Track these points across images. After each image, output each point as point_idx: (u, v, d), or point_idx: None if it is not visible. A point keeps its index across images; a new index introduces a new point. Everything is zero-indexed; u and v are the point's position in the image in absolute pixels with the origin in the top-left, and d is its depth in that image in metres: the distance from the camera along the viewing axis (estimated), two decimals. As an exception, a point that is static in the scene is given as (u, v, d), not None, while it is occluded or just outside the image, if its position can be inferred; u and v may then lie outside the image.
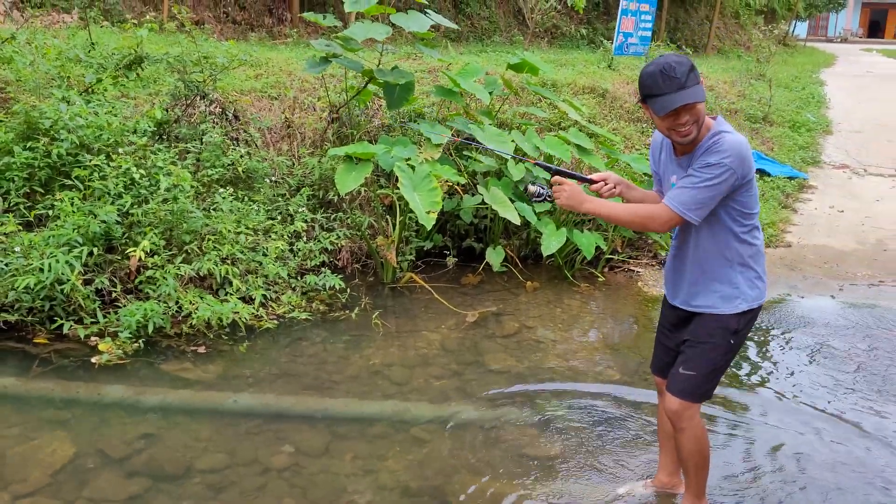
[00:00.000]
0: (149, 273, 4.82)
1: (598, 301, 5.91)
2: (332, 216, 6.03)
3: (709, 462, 3.13)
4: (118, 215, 4.89)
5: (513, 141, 6.12)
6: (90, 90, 5.98)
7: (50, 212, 4.89)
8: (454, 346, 4.96)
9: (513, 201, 5.95)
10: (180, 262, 4.92)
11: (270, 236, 5.52)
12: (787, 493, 3.49)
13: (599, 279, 6.30)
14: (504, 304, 5.70)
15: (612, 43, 11.95)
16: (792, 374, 4.72)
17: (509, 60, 7.20)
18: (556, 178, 2.99)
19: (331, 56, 6.06)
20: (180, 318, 4.80)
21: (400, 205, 5.86)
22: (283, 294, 5.28)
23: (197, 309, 4.70)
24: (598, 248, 6.17)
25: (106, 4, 10.49)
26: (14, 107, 5.30)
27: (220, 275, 4.97)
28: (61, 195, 4.86)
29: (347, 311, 5.33)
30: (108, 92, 6.00)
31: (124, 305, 4.70)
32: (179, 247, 5.05)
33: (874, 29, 51.85)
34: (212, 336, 4.77)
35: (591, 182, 3.09)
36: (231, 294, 4.98)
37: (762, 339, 5.25)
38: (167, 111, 5.99)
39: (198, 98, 6.16)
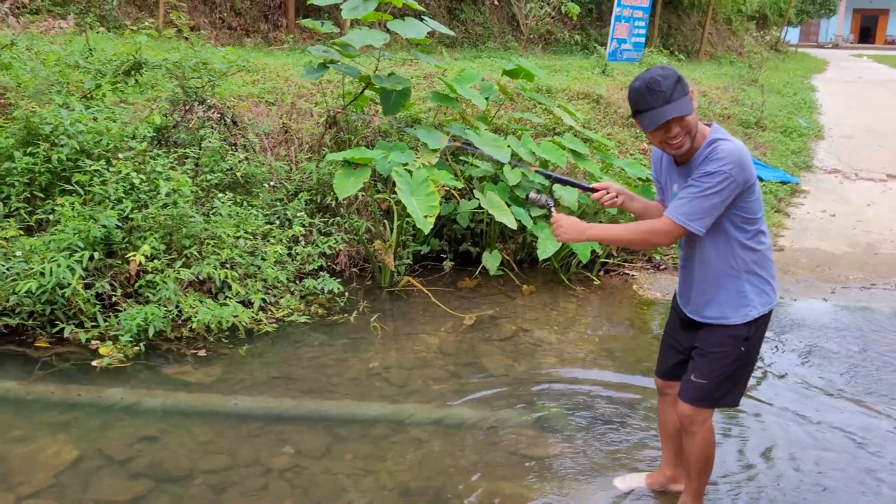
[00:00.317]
0: (149, 277, 4.86)
1: (594, 304, 5.97)
2: (330, 221, 6.08)
3: (712, 467, 3.18)
4: (118, 220, 4.94)
5: (509, 146, 6.17)
6: (89, 96, 6.02)
7: (50, 216, 4.93)
8: (452, 348, 5.01)
9: (509, 205, 6.01)
10: (180, 267, 4.97)
11: (269, 241, 5.57)
12: (779, 492, 3.55)
13: (595, 283, 6.36)
14: (501, 307, 5.75)
15: (605, 49, 12.05)
16: (785, 375, 4.78)
17: (504, 66, 7.27)
18: (555, 217, 2.97)
19: (328, 62, 6.12)
20: (180, 321, 4.84)
21: (397, 209, 5.92)
22: (282, 298, 5.33)
23: (197, 313, 4.75)
24: (593, 251, 6.24)
25: (102, 10, 10.52)
26: (14, 112, 5.34)
27: (220, 279, 5.01)
28: (62, 200, 4.90)
29: (346, 315, 5.38)
30: (106, 97, 6.04)
31: (124, 309, 4.75)
32: (179, 251, 5.10)
33: (865, 35, 52.14)
34: (212, 339, 4.82)
35: (593, 191, 3.12)
36: (230, 298, 5.02)
37: (756, 341, 5.31)
38: (166, 116, 6.03)
39: (196, 104, 6.21)
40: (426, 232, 5.36)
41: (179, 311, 4.81)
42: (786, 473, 3.70)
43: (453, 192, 6.28)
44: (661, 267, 6.76)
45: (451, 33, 6.84)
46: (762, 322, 2.96)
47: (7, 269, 4.53)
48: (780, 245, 7.31)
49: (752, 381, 4.67)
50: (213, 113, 6.32)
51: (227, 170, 5.81)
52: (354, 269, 6.22)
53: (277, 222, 5.83)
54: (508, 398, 4.37)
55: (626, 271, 6.65)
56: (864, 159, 10.86)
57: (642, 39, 12.93)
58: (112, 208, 4.95)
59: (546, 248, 6.00)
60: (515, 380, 4.60)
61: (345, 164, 5.68)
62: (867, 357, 5.06)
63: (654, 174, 3.15)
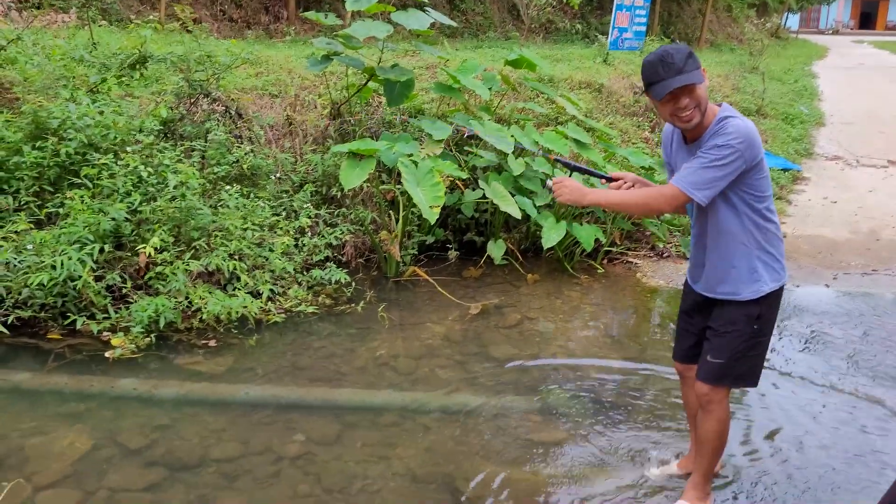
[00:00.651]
0: (158, 269, 4.92)
1: (598, 292, 6.02)
2: (336, 212, 6.14)
3: (723, 449, 3.23)
4: (127, 213, 4.99)
5: (512, 136, 6.21)
6: (95, 90, 6.07)
7: (60, 210, 4.98)
8: (458, 337, 5.07)
9: (513, 195, 6.06)
10: (189, 258, 5.02)
11: (276, 232, 5.62)
12: (784, 473, 3.61)
13: (599, 271, 6.42)
14: (506, 296, 5.81)
15: (607, 38, 12.06)
16: (788, 360, 4.83)
17: (506, 56, 7.31)
18: (558, 178, 3.05)
19: (332, 54, 6.15)
20: (190, 312, 4.90)
21: (402, 200, 5.96)
22: (289, 288, 5.38)
23: (206, 304, 4.80)
24: (597, 240, 6.28)
25: (103, 4, 10.56)
26: (23, 107, 5.38)
27: (228, 270, 5.06)
28: (71, 193, 4.95)
29: (353, 305, 5.44)
30: (112, 91, 6.09)
31: (135, 301, 4.80)
32: (188, 243, 5.15)
33: (865, 20, 52.04)
34: (221, 330, 4.88)
35: (611, 180, 3.19)
36: (239, 289, 5.07)
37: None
38: (172, 110, 6.08)
39: (201, 97, 6.25)
40: (432, 222, 5.40)
41: (189, 303, 4.87)
42: (790, 456, 3.76)
43: (458, 182, 6.33)
44: (664, 255, 6.81)
45: (453, 24, 6.88)
46: (773, 300, 3.03)
47: (19, 263, 4.58)
48: (783, 232, 7.33)
49: (755, 367, 4.73)
50: (218, 106, 6.37)
51: (234, 162, 5.86)
52: (360, 260, 6.27)
53: (284, 214, 5.88)
54: (514, 385, 4.43)
55: (630, 259, 6.70)
56: (865, 145, 10.89)
57: (643, 28, 12.94)
58: (121, 201, 5.00)
59: (550, 238, 6.04)
60: (521, 367, 4.66)
61: (350, 156, 5.73)
62: (869, 342, 5.11)
63: (664, 155, 3.21)
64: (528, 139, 6.39)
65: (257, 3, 12.96)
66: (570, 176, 3.31)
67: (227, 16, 12.60)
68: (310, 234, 5.88)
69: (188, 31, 7.16)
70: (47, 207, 5.03)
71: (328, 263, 5.72)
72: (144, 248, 4.86)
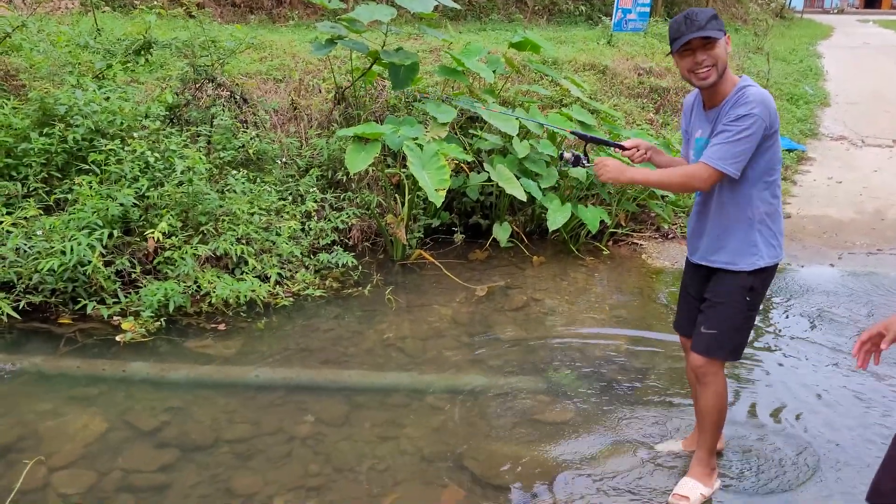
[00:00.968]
0: (167, 254, 4.96)
1: (603, 273, 6.05)
2: (342, 196, 6.16)
3: (723, 423, 3.28)
4: (135, 198, 5.02)
5: (517, 119, 6.22)
6: (101, 76, 6.09)
7: (68, 196, 5.01)
8: (465, 319, 5.10)
9: (518, 178, 6.07)
10: (197, 243, 5.06)
11: (283, 216, 5.65)
12: (790, 451, 3.65)
13: (604, 252, 6.44)
14: (511, 278, 5.84)
15: (610, 19, 12.02)
16: (793, 339, 4.87)
17: (510, 39, 7.29)
18: (600, 158, 3.13)
19: (336, 38, 6.15)
20: (199, 296, 4.94)
21: (408, 183, 5.98)
22: (297, 272, 5.42)
23: (215, 288, 4.84)
24: (602, 222, 6.30)
25: (107, -10, 10.55)
26: (29, 94, 5.40)
27: (236, 254, 5.10)
28: (79, 179, 4.98)
29: (360, 288, 5.47)
30: (118, 77, 6.11)
31: (144, 286, 4.84)
32: (195, 228, 5.19)
33: (871, -1, 51.65)
34: (230, 314, 4.92)
35: (624, 148, 3.26)
36: (247, 273, 5.11)
37: (763, 306, 5.40)
38: (177, 95, 6.09)
39: (206, 82, 6.27)
40: (438, 205, 5.43)
41: (198, 287, 4.91)
42: (796, 434, 3.80)
43: (463, 165, 6.34)
44: (669, 236, 6.83)
45: (457, 6, 6.87)
46: (767, 275, 3.09)
47: (29, 248, 4.62)
48: (787, 212, 7.36)
49: (761, 345, 4.78)
50: (223, 91, 6.38)
51: (240, 147, 5.88)
52: (367, 243, 6.31)
53: (290, 198, 5.91)
54: (521, 365, 4.47)
55: (635, 241, 6.72)
56: (870, 125, 10.86)
57: (647, 9, 12.87)
58: (129, 187, 5.03)
59: (556, 220, 6.07)
60: (528, 348, 4.70)
61: (355, 140, 5.75)
62: (874, 321, 5.14)
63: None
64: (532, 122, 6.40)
65: (260, -12, 12.92)
66: (584, 147, 3.38)
67: (230, 0, 12.58)
68: (316, 218, 5.91)
69: (191, 17, 7.17)
70: (56, 193, 5.06)
71: (335, 247, 5.75)
72: (153, 232, 4.89)
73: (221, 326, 4.79)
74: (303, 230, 5.74)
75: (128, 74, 6.35)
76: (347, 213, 5.96)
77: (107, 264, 4.86)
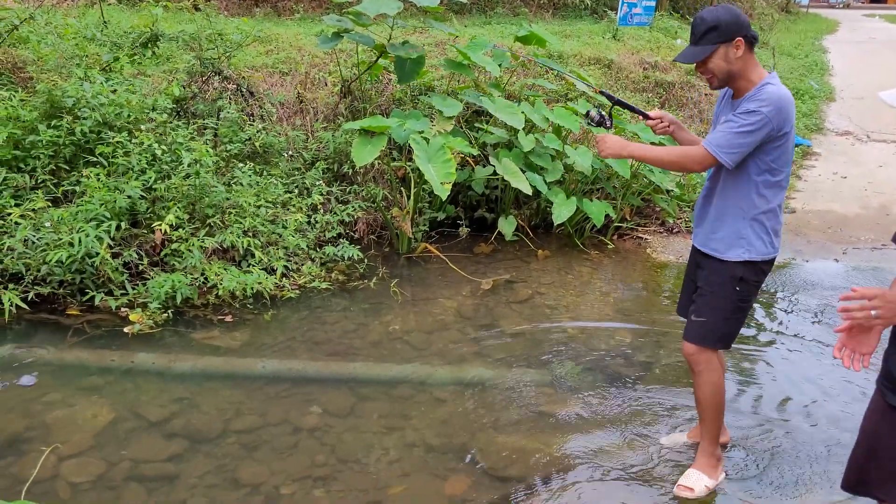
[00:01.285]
0: (174, 246, 4.99)
1: (608, 267, 6.07)
2: (348, 189, 6.18)
3: (723, 411, 3.31)
4: (142, 190, 5.04)
5: (522, 112, 6.23)
6: (108, 68, 6.11)
7: (76, 188, 5.04)
8: (470, 312, 5.13)
9: (524, 171, 6.09)
10: (204, 235, 5.08)
11: (289, 209, 5.68)
12: (794, 445, 3.67)
13: (609, 246, 6.46)
14: (517, 271, 5.86)
15: (616, 13, 12.00)
16: (797, 334, 4.88)
17: (515, 33, 7.29)
18: (601, 136, 3.22)
19: (342, 31, 6.17)
20: (206, 289, 4.97)
21: (413, 177, 6.00)
22: (303, 265, 5.44)
23: (222, 280, 4.87)
24: (607, 216, 6.31)
25: (113, -18, 10.55)
26: (37, 86, 5.42)
27: (243, 247, 5.12)
28: (87, 172, 5.00)
29: (365, 281, 5.50)
30: (125, 70, 6.13)
31: (151, 277, 4.87)
32: (202, 220, 5.21)
33: (877, -6, 51.36)
34: (237, 306, 4.95)
35: (648, 118, 3.33)
36: (254, 265, 5.14)
37: (768, 301, 5.41)
38: (184, 88, 6.11)
39: (213, 75, 6.28)
40: (444, 198, 5.44)
41: (205, 279, 4.93)
42: (800, 427, 3.82)
43: (468, 158, 6.36)
44: (674, 230, 6.84)
45: (462, 0, 6.87)
46: (758, 270, 3.12)
47: (37, 240, 4.65)
48: (792, 207, 7.37)
49: (765, 339, 4.79)
50: (230, 84, 6.40)
51: (246, 140, 5.90)
52: (372, 237, 6.33)
53: (296, 191, 5.93)
54: (526, 358, 4.49)
55: (640, 235, 6.74)
56: (875, 121, 10.84)
57: (653, 3, 12.83)
58: (136, 179, 5.06)
59: (561, 213, 6.08)
60: (533, 340, 4.72)
61: (361, 133, 5.76)
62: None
63: (715, 109, 3.31)
64: (537, 115, 6.41)
65: (265, -19, 12.91)
66: (612, 107, 3.43)
67: (235, -7, 12.56)
68: (322, 211, 5.93)
69: (197, 9, 7.19)
70: (64, 185, 5.09)
71: (341, 240, 5.78)
72: (160, 225, 4.92)
73: (228, 318, 4.82)
74: (309, 223, 5.77)
75: (135, 67, 6.37)
76: (353, 206, 5.99)
77: (114, 256, 4.89)
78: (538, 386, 4.19)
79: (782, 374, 4.36)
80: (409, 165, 5.98)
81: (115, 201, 4.85)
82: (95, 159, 5.16)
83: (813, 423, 3.86)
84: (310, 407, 3.93)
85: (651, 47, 10.60)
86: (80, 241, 4.61)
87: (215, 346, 4.50)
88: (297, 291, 5.21)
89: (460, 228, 6.50)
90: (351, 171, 6.21)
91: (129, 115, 5.42)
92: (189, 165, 5.20)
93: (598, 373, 4.34)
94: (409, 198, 6.04)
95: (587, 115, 3.48)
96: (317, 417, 3.85)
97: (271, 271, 5.22)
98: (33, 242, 4.66)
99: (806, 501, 3.30)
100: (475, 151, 5.98)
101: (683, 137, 3.35)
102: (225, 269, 5.01)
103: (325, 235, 5.80)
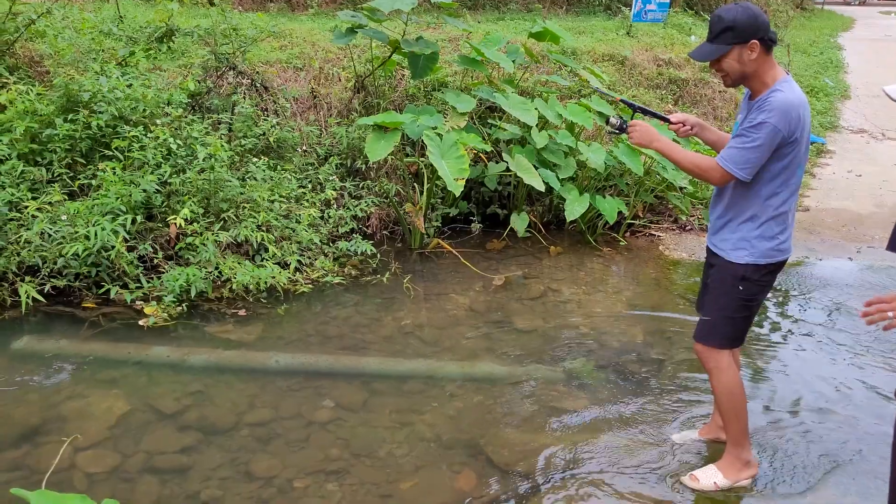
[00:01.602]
0: (188, 240, 5.02)
1: (621, 264, 6.07)
2: (361, 184, 6.21)
3: (743, 412, 3.28)
4: (157, 184, 5.08)
5: (536, 109, 6.23)
6: (124, 63, 6.15)
7: (92, 181, 5.08)
8: (482, 308, 5.14)
9: (536, 168, 6.09)
10: (218, 230, 5.12)
11: (302, 204, 5.70)
12: (807, 445, 3.67)
13: (621, 243, 6.45)
14: (529, 267, 5.86)
15: (630, 10, 11.95)
16: (811, 332, 4.87)
17: (528, 29, 7.29)
18: (636, 121, 3.22)
19: (357, 27, 6.18)
20: (220, 282, 5.00)
21: (426, 172, 6.01)
22: (316, 259, 5.47)
23: (236, 274, 4.90)
24: (619, 213, 6.31)
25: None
26: (54, 80, 5.47)
27: (257, 241, 5.16)
28: (103, 165, 5.04)
29: (378, 276, 5.52)
30: (140, 64, 6.16)
31: (166, 271, 4.91)
32: (217, 214, 5.24)
33: (894, -9, 50.89)
34: (251, 300, 4.98)
35: (671, 122, 3.32)
36: (267, 260, 5.17)
37: (782, 299, 5.40)
38: (199, 83, 6.14)
39: (228, 70, 6.31)
40: (457, 194, 5.46)
41: (219, 273, 4.97)
42: (813, 428, 3.81)
43: (481, 155, 6.36)
44: (687, 228, 6.82)
45: (477, -4, 6.86)
46: (763, 272, 3.10)
47: (54, 233, 4.70)
48: (806, 205, 7.34)
49: (778, 338, 4.78)
50: (244, 79, 6.43)
51: (260, 135, 5.93)
52: (385, 232, 6.35)
53: (310, 186, 5.96)
54: (538, 354, 4.50)
55: (652, 232, 6.73)
56: (891, 119, 10.77)
57: (667, 0, 12.79)
58: (151, 173, 5.09)
59: (573, 210, 6.08)
60: (544, 337, 4.73)
61: (375, 128, 5.78)
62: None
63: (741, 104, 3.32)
64: (551, 112, 6.41)
65: (279, -24, 12.93)
66: (633, 115, 3.44)
67: (250, -12, 12.59)
68: (335, 206, 5.96)
69: (212, 4, 7.21)
70: (80, 179, 5.13)
71: (354, 235, 5.80)
72: (175, 219, 4.95)
73: (242, 312, 4.85)
74: (322, 218, 5.79)
75: (150, 62, 6.41)
76: (366, 202, 6.01)
77: (130, 249, 4.93)
78: (550, 382, 4.20)
79: (796, 373, 4.35)
80: (423, 161, 6.00)
81: (130, 195, 4.89)
82: (111, 153, 5.19)
83: (826, 423, 3.85)
84: (322, 401, 3.96)
85: (665, 44, 10.56)
86: (95, 235, 4.65)
87: (229, 340, 4.53)
88: (311, 286, 5.24)
89: (473, 224, 6.51)
90: (364, 166, 6.23)
91: (144, 110, 5.46)
92: (204, 160, 5.23)
93: (609, 369, 4.34)
94: (421, 193, 6.06)
95: (608, 121, 3.47)
96: (329, 411, 3.87)
97: (285, 266, 5.25)
98: (50, 235, 4.70)
99: (817, 500, 3.30)
100: (488, 147, 5.99)
101: (708, 138, 3.34)
102: (239, 264, 5.04)
103: (338, 230, 5.82)
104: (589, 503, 3.27)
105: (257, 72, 6.63)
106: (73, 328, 4.56)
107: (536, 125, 6.22)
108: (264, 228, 5.29)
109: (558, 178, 6.24)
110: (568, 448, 3.61)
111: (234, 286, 4.90)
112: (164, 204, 5.17)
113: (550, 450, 3.60)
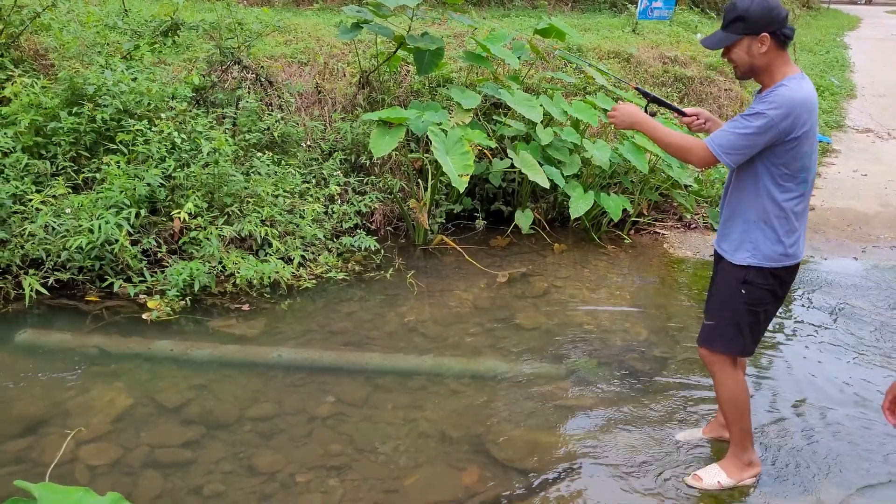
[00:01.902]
0: (192, 234, 5.01)
1: (625, 262, 6.05)
2: (365, 180, 6.20)
3: (746, 415, 3.26)
4: (161, 178, 5.08)
5: (541, 105, 6.22)
6: (128, 56, 6.14)
7: (96, 175, 5.08)
8: (486, 304, 5.13)
9: (541, 165, 6.07)
10: (222, 224, 5.11)
11: (307, 199, 5.69)
12: (811, 443, 3.65)
13: (625, 241, 6.44)
14: (533, 265, 5.85)
15: (636, 7, 11.92)
16: (815, 332, 4.85)
17: (533, 25, 7.27)
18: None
19: (362, 22, 6.17)
20: (223, 277, 5.00)
21: (431, 168, 6.00)
22: (320, 255, 5.46)
23: (240, 269, 4.90)
24: (624, 210, 6.29)
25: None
26: (59, 73, 5.46)
27: (261, 236, 5.15)
28: (107, 159, 5.04)
29: (382, 272, 5.51)
30: (145, 58, 6.16)
31: (170, 265, 4.90)
32: (221, 209, 5.24)
33: (901, -10, 50.72)
34: (254, 295, 4.97)
35: (685, 115, 3.27)
36: (271, 255, 5.17)
37: (786, 298, 5.38)
38: (203, 77, 6.14)
39: (232, 64, 6.30)
40: (461, 190, 5.45)
41: (223, 267, 4.96)
42: (816, 427, 3.80)
43: (486, 151, 6.35)
44: (691, 226, 6.81)
45: (483, -8, 6.85)
46: (766, 275, 3.01)
47: (58, 226, 4.69)
48: (811, 205, 7.31)
49: (782, 338, 4.77)
50: (249, 73, 6.42)
51: (265, 129, 5.92)
52: (389, 228, 6.34)
53: (314, 181, 5.95)
54: (542, 352, 4.49)
55: (657, 230, 6.71)
56: (897, 118, 10.74)
57: (673, -3, 12.75)
58: (156, 167, 5.09)
59: (578, 207, 6.07)
60: (549, 334, 4.72)
61: (380, 124, 5.77)
62: (897, 315, 5.12)
63: None
64: (556, 109, 6.39)
65: (284, -29, 12.91)
66: (647, 105, 3.39)
67: (255, -17, 12.58)
68: (339, 201, 5.95)
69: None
70: (84, 172, 5.13)
71: (357, 231, 5.80)
72: (179, 213, 4.95)
73: (245, 307, 4.85)
74: (326, 213, 5.79)
75: (155, 55, 6.40)
76: (370, 198, 6.00)
77: (133, 243, 4.92)
78: (553, 379, 4.19)
79: (800, 373, 4.33)
80: (427, 157, 5.99)
81: (134, 189, 4.89)
82: (115, 147, 5.19)
83: (830, 422, 3.84)
84: (325, 396, 3.95)
85: (671, 41, 10.53)
86: (99, 228, 4.65)
87: (232, 335, 4.53)
88: (314, 281, 5.23)
89: (477, 221, 6.50)
90: (368, 161, 6.22)
91: (149, 104, 5.46)
92: (208, 154, 5.23)
93: (613, 367, 4.33)
94: (426, 189, 6.04)
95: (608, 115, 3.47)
96: (332, 406, 3.87)
97: (288, 261, 5.24)
98: (53, 228, 4.70)
99: (820, 499, 3.29)
100: (493, 144, 5.98)
101: None
102: (242, 258, 5.04)
103: (341, 226, 5.82)
104: (591, 501, 3.26)
105: (262, 66, 6.62)
106: (76, 321, 4.56)
107: (541, 122, 6.21)
108: (268, 223, 5.29)
109: (563, 175, 6.23)
110: (571, 445, 3.60)
111: (237, 281, 4.89)
112: (168, 198, 5.16)
113: (554, 447, 3.59)
